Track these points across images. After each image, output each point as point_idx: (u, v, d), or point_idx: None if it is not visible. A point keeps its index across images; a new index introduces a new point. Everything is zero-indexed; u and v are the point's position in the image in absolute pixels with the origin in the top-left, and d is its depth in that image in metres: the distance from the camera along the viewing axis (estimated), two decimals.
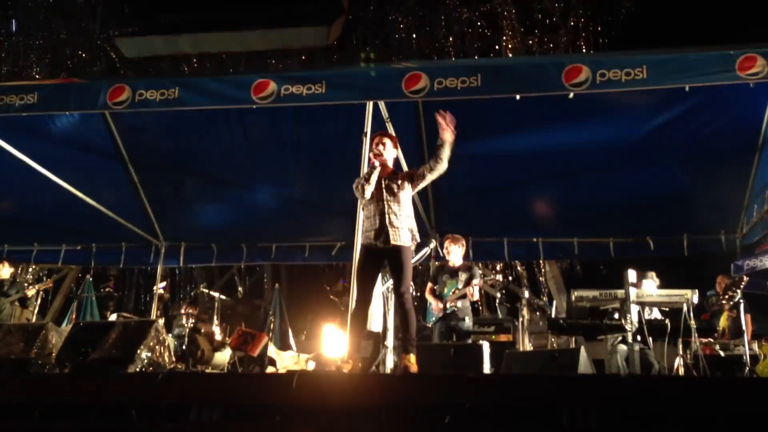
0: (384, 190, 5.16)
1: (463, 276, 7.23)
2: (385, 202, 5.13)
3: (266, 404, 4.38)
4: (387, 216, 5.09)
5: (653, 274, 7.24)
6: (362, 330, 5.23)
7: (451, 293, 7.15)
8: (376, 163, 5.16)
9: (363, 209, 5.28)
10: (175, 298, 16.11)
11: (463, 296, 7.12)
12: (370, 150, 5.31)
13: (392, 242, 5.03)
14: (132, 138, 8.29)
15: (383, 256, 5.13)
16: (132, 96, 6.02)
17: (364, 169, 5.85)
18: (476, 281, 7.13)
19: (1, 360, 5.44)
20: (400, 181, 5.22)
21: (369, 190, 5.11)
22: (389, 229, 5.05)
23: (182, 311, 9.40)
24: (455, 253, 7.40)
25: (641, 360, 6.04)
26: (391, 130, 6.81)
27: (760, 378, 5.85)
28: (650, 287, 6.73)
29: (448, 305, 7.13)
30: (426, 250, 9.00)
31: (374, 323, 6.21)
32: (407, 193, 5.24)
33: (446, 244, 7.47)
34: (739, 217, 8.26)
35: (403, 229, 5.12)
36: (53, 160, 7.99)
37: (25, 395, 4.65)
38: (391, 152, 5.32)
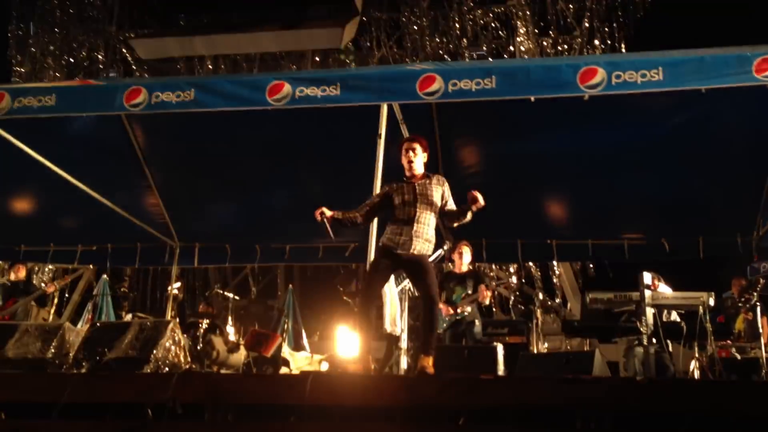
0: (418, 197, 5.05)
1: (470, 282, 7.25)
2: (417, 209, 5.02)
3: (280, 405, 4.39)
4: (415, 224, 4.97)
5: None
6: (370, 328, 5.15)
7: (461, 299, 7.16)
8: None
9: (395, 210, 5.12)
10: (189, 298, 16.20)
11: (474, 300, 7.14)
12: (401, 156, 5.19)
13: (412, 251, 4.96)
14: (148, 139, 8.35)
15: (400, 262, 5.07)
16: (148, 98, 6.05)
17: (379, 172, 5.87)
18: (484, 288, 7.15)
19: (18, 360, 5.50)
20: (433, 188, 5.10)
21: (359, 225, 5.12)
22: (414, 238, 4.95)
23: (200, 310, 9.43)
24: (467, 258, 7.42)
25: (657, 363, 6.01)
26: (405, 131, 6.83)
27: None
28: (666, 289, 6.70)
29: (458, 310, 7.14)
30: (440, 252, 8.99)
31: (390, 325, 6.18)
32: (438, 199, 5.11)
33: (462, 249, 7.44)
34: (755, 220, 8.19)
35: (428, 238, 5.04)
36: (70, 162, 8.07)
37: (43, 395, 4.69)
38: (421, 157, 5.21)
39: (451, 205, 5.20)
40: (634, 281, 6.16)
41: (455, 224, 5.23)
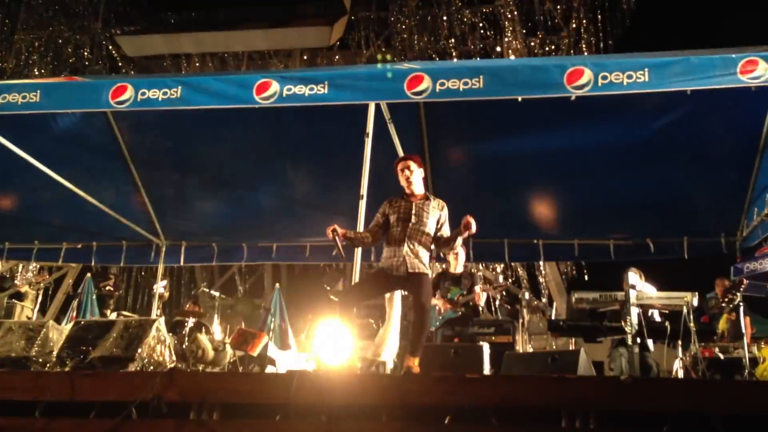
0: (412, 216, 5.06)
1: (465, 282, 7.28)
2: (410, 228, 5.03)
3: (266, 404, 4.38)
4: (407, 243, 4.99)
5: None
6: (352, 329, 5.16)
7: (456, 298, 7.18)
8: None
9: (390, 227, 5.14)
10: (175, 297, 16.14)
11: (469, 301, 7.17)
12: (399, 176, 5.22)
13: (411, 270, 4.96)
14: (134, 137, 8.29)
15: (397, 282, 5.09)
16: (134, 95, 6.01)
17: (366, 171, 5.85)
18: (478, 287, 7.18)
19: (1, 358, 5.46)
20: (431, 210, 5.12)
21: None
22: (407, 258, 4.96)
23: (186, 309, 9.40)
24: (462, 259, 7.46)
25: (640, 362, 6.05)
26: (392, 131, 6.83)
27: (759, 381, 5.86)
28: (650, 289, 6.75)
29: (456, 309, 7.17)
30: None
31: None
32: (433, 222, 5.13)
33: (459, 250, 7.47)
34: (739, 220, 8.25)
35: (421, 256, 5.04)
36: (55, 159, 7.98)
37: (26, 393, 4.66)
38: (418, 173, 5.23)
39: (445, 230, 5.20)
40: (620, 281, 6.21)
41: (444, 250, 5.27)
